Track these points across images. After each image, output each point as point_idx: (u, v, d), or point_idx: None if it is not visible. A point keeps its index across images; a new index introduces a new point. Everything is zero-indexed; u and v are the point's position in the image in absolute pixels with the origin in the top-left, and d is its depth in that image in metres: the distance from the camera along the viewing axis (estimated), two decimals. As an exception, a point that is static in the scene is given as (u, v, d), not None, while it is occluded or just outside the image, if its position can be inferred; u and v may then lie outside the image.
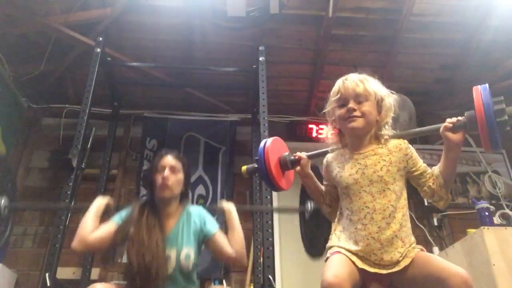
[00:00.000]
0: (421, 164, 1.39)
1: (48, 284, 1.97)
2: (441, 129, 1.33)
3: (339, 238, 1.36)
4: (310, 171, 1.52)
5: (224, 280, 3.00)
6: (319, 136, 3.67)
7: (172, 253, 1.65)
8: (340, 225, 1.40)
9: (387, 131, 1.42)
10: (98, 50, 2.77)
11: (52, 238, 2.17)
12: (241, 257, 1.69)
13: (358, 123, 1.37)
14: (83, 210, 1.79)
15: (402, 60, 3.40)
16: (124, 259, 1.72)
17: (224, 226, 1.81)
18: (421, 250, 1.31)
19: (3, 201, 2.02)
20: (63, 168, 2.39)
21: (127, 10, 2.98)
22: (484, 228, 2.43)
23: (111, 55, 3.07)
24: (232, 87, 3.64)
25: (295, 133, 3.74)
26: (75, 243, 1.65)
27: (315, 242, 1.96)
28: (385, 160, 1.36)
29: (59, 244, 2.10)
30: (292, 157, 1.54)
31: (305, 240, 2.12)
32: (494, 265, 2.26)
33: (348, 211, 1.36)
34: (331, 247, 1.37)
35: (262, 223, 2.30)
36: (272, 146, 1.52)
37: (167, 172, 1.74)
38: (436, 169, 1.36)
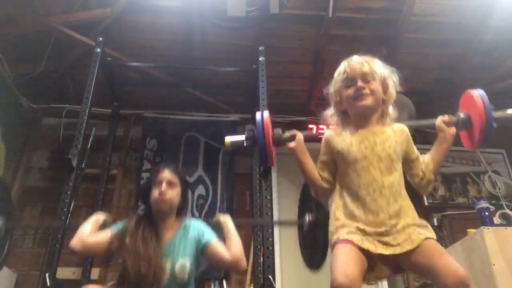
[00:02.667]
0: (415, 149, 1.48)
1: (48, 284, 1.97)
2: (437, 121, 1.47)
3: (342, 220, 1.33)
4: (305, 147, 1.50)
5: (224, 281, 3.00)
6: (319, 136, 3.67)
7: (167, 264, 1.65)
8: (341, 200, 1.38)
9: (392, 111, 1.47)
10: (98, 50, 2.77)
11: (52, 238, 2.17)
12: (239, 262, 1.69)
13: (368, 101, 1.39)
14: (77, 227, 1.79)
15: (402, 60, 3.40)
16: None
17: (223, 238, 1.80)
18: (428, 238, 1.28)
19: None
20: (63, 168, 2.38)
21: (127, 10, 2.98)
22: (484, 228, 2.42)
23: (111, 55, 3.07)
24: (232, 87, 3.64)
25: (295, 133, 3.74)
26: (74, 242, 1.68)
27: (314, 255, 1.95)
28: (392, 140, 1.40)
29: (59, 244, 2.10)
30: (286, 134, 1.51)
31: (304, 253, 2.12)
32: (494, 265, 2.25)
33: (354, 186, 1.35)
34: (337, 228, 1.34)
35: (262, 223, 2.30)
36: (269, 119, 1.49)
37: (164, 186, 1.74)
38: (427, 156, 1.46)
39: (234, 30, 3.10)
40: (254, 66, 2.95)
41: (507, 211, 3.08)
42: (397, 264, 1.30)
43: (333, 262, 1.21)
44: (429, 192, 1.53)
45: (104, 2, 2.93)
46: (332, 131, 1.51)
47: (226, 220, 1.86)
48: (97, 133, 3.36)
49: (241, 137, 1.54)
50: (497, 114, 1.45)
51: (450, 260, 1.20)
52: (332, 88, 1.50)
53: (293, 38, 3.27)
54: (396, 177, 1.36)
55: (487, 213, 2.71)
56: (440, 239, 3.34)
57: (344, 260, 1.20)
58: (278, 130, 1.52)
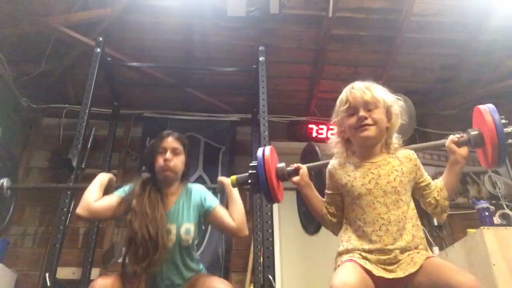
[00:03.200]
0: (426, 175, 1.41)
1: (48, 284, 1.97)
2: (447, 143, 1.39)
3: (347, 246, 1.32)
4: (309, 181, 1.46)
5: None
6: (319, 136, 3.68)
7: (172, 228, 1.68)
8: (347, 235, 1.36)
9: (396, 139, 1.42)
10: (98, 50, 2.77)
11: (52, 238, 2.17)
12: (242, 227, 1.72)
13: (371, 131, 1.35)
14: (84, 189, 1.82)
15: (402, 60, 3.40)
16: (122, 256, 1.72)
17: (225, 203, 1.83)
18: (429, 257, 1.28)
19: (5, 182, 2.06)
20: (63, 168, 2.39)
21: (127, 10, 2.98)
22: (484, 228, 2.42)
23: (111, 55, 3.07)
24: (232, 87, 3.64)
25: (295, 133, 3.75)
26: (79, 210, 1.67)
27: (311, 218, 1.94)
28: (397, 171, 1.35)
29: (59, 244, 2.10)
30: (290, 168, 1.47)
31: (301, 216, 2.12)
32: (494, 265, 2.25)
33: (360, 222, 1.32)
34: (340, 253, 1.34)
35: (262, 223, 2.29)
36: (270, 154, 1.44)
37: (168, 154, 1.76)
38: (440, 182, 1.39)
39: (234, 30, 3.10)
40: (254, 66, 2.95)
41: (507, 211, 3.08)
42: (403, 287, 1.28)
43: (334, 274, 1.20)
44: (445, 219, 1.45)
45: (104, 2, 2.93)
46: (336, 163, 1.46)
47: (230, 183, 1.86)
48: (97, 133, 3.37)
49: (246, 175, 1.48)
50: (510, 129, 1.33)
51: (459, 270, 1.19)
52: (334, 117, 1.46)
53: (293, 38, 3.26)
54: (404, 210, 1.31)
55: (487, 213, 2.71)
56: (440, 239, 3.34)
57: (345, 271, 1.19)
58: (282, 166, 1.48)
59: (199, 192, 1.83)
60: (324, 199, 1.47)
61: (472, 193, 3.57)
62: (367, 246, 1.28)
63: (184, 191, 1.82)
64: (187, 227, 1.70)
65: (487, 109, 1.35)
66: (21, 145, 3.39)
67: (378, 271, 1.23)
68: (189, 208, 1.76)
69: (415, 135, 3.53)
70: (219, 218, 1.74)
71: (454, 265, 1.22)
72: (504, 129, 1.31)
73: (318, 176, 1.70)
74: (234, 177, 1.56)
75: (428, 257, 1.26)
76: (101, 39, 2.82)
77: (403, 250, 1.26)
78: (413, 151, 1.44)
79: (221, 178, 1.93)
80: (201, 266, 1.84)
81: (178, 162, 1.79)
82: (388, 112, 1.39)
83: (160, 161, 1.76)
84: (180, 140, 1.85)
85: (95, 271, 2.85)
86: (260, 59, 2.88)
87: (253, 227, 2.77)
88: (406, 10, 3.00)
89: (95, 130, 3.37)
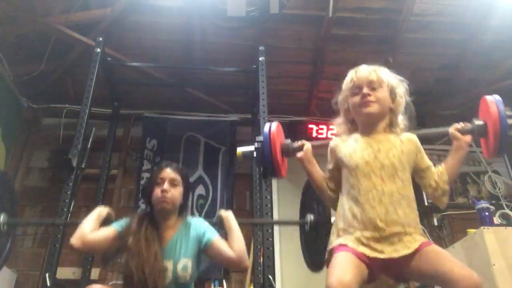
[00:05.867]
0: (427, 159, 1.44)
1: (48, 284, 1.97)
2: (450, 129, 1.42)
3: (341, 231, 1.33)
4: (313, 157, 1.50)
5: (224, 281, 3.00)
6: (319, 136, 3.67)
7: (169, 265, 1.64)
8: (342, 208, 1.37)
9: (402, 121, 1.45)
10: (98, 50, 2.77)
11: (52, 238, 2.17)
12: (242, 259, 1.66)
13: (374, 108, 1.39)
14: (78, 224, 1.76)
15: (402, 60, 3.40)
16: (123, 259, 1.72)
17: (225, 236, 1.78)
18: (426, 243, 1.28)
19: (2, 217, 2.01)
20: (63, 168, 2.38)
21: (127, 10, 2.98)
22: (484, 228, 2.42)
23: (111, 55, 3.07)
24: (232, 87, 3.64)
25: (295, 133, 3.74)
26: (74, 240, 1.64)
27: (316, 255, 1.96)
28: (397, 149, 1.38)
29: (59, 244, 2.10)
30: (295, 144, 1.52)
31: (305, 253, 2.13)
32: (494, 265, 2.25)
33: (354, 191, 1.34)
34: (334, 234, 1.35)
35: (262, 223, 2.30)
36: (276, 130, 1.50)
37: (166, 185, 1.72)
38: (441, 166, 1.42)
39: (234, 30, 3.10)
40: (254, 66, 2.95)
41: (507, 211, 3.09)
42: (400, 273, 1.29)
43: (329, 269, 1.20)
44: (446, 204, 1.46)
45: (104, 2, 2.93)
46: (338, 140, 1.50)
47: (228, 216, 1.83)
48: (97, 133, 3.36)
49: (251, 148, 1.54)
50: None
51: (460, 264, 1.19)
52: (340, 96, 1.51)
53: (293, 38, 3.26)
54: (399, 186, 1.32)
55: (487, 213, 2.71)
56: (440, 239, 3.34)
57: (340, 267, 1.18)
58: (287, 141, 1.53)
59: (198, 226, 1.79)
60: (325, 175, 1.51)
61: (472, 193, 3.57)
62: (360, 217, 1.28)
63: (182, 225, 1.77)
64: (185, 263, 1.66)
65: (493, 100, 1.38)
66: (21, 145, 3.39)
67: (371, 252, 1.23)
68: (187, 243, 1.71)
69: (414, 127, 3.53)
70: (218, 250, 1.69)
71: (454, 257, 1.22)
72: (508, 120, 1.34)
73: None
74: (240, 151, 1.60)
75: (424, 243, 1.27)
76: (101, 39, 2.82)
77: (394, 223, 1.26)
78: (414, 135, 1.47)
79: (220, 213, 1.88)
80: None
81: (176, 193, 1.74)
82: (392, 93, 1.43)
83: (157, 192, 1.71)
84: (179, 171, 1.80)
85: (95, 271, 2.85)
86: (260, 59, 2.88)
87: (253, 227, 2.77)
88: (406, 10, 3.01)
89: (95, 130, 3.36)
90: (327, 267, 1.25)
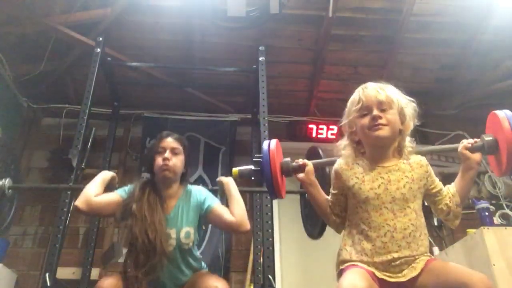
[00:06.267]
0: (438, 181, 1.39)
1: (48, 284, 1.97)
2: (459, 148, 1.34)
3: (350, 254, 1.31)
4: (315, 179, 1.43)
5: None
6: (319, 136, 3.67)
7: (172, 233, 1.67)
8: (350, 239, 1.34)
9: (409, 143, 1.39)
10: (98, 50, 2.77)
11: (52, 238, 2.18)
12: (242, 222, 1.68)
13: (385, 131, 1.31)
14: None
15: (402, 60, 3.40)
16: (124, 259, 1.72)
17: (226, 203, 1.82)
18: (430, 260, 1.27)
19: (7, 181, 2.08)
20: (63, 168, 2.39)
21: (127, 10, 2.98)
22: (484, 228, 2.42)
23: (111, 55, 3.07)
24: (232, 87, 3.64)
25: (295, 133, 3.74)
26: (79, 202, 1.66)
27: (315, 223, 1.94)
28: (407, 177, 1.33)
29: (59, 244, 2.10)
30: (295, 163, 1.43)
31: (305, 221, 2.12)
32: (494, 265, 2.25)
33: (364, 225, 1.30)
34: (343, 261, 1.32)
35: (262, 223, 2.30)
36: (276, 149, 1.40)
37: (168, 153, 1.75)
38: (452, 188, 1.37)
39: (234, 30, 3.10)
40: (254, 66, 2.95)
41: (507, 211, 3.08)
42: None
43: (341, 279, 1.19)
44: (457, 225, 1.41)
45: (104, 2, 2.93)
46: (343, 163, 1.42)
47: (228, 181, 1.86)
48: (97, 133, 3.37)
49: (249, 167, 1.46)
50: None
51: (468, 269, 1.19)
52: (346, 117, 1.41)
53: (293, 38, 3.26)
54: (411, 218, 1.28)
55: (487, 213, 2.71)
56: (440, 239, 3.34)
57: (353, 276, 1.18)
58: (287, 161, 1.43)
59: (199, 193, 1.83)
60: (329, 198, 1.45)
61: (472, 193, 3.56)
62: (369, 252, 1.26)
63: (183, 193, 1.81)
64: (187, 231, 1.70)
65: (505, 116, 1.30)
66: (21, 145, 3.39)
67: (380, 274, 1.23)
68: (188, 211, 1.75)
69: (415, 136, 3.52)
70: (219, 215, 1.72)
71: (458, 264, 1.23)
72: None
73: (322, 176, 1.68)
74: (236, 169, 1.53)
75: (429, 260, 1.26)
76: (101, 39, 2.82)
77: (407, 259, 1.25)
78: (424, 157, 1.41)
79: (220, 178, 1.92)
80: (203, 264, 1.84)
81: (177, 161, 1.79)
82: (402, 114, 1.36)
83: (159, 160, 1.76)
84: (180, 140, 1.85)
85: (95, 271, 2.85)
86: (260, 59, 2.88)
87: (253, 227, 2.77)
88: (406, 10, 3.00)
89: (95, 130, 3.37)
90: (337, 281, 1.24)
